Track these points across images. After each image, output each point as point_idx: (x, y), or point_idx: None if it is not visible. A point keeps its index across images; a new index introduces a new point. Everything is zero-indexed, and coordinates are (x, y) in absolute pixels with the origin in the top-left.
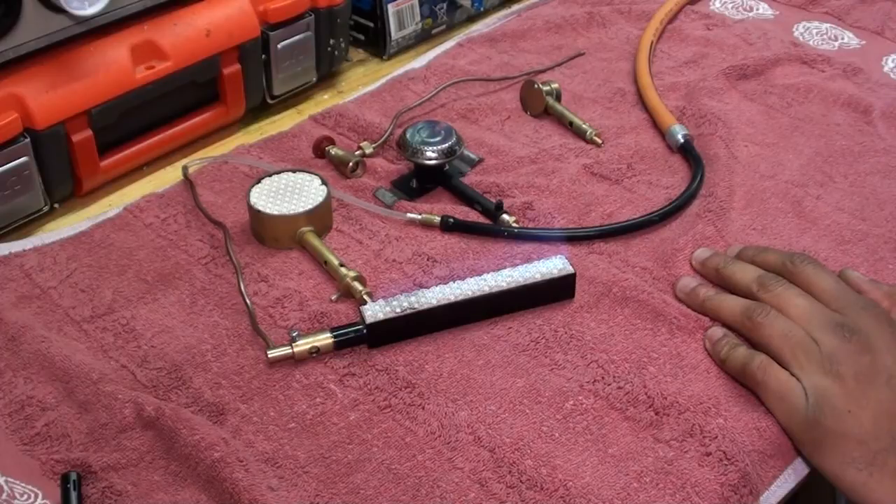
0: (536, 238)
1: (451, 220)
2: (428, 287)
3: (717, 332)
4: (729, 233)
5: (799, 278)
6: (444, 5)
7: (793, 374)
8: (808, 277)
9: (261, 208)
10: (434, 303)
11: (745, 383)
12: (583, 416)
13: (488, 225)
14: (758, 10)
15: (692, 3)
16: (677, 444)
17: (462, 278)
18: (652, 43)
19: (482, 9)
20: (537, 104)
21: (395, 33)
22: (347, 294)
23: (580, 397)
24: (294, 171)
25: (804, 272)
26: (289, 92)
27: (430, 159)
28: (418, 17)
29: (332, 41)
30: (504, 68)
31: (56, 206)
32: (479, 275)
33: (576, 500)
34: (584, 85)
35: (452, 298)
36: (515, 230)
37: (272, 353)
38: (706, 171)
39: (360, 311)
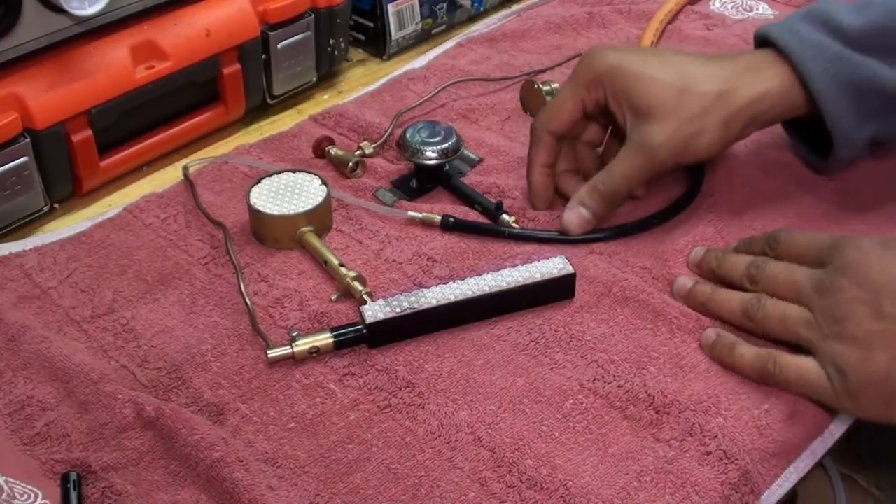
0: (536, 238)
1: (452, 219)
2: (428, 287)
3: (710, 334)
4: (729, 233)
5: (779, 252)
6: (444, 5)
7: (807, 355)
8: (786, 248)
9: (261, 208)
10: (434, 303)
11: (768, 385)
12: (583, 415)
13: (488, 225)
14: (758, 10)
15: (692, 3)
16: (677, 443)
17: (462, 278)
18: (652, 43)
19: (482, 9)
20: (537, 104)
21: (395, 33)
22: (347, 294)
23: (580, 396)
24: (294, 171)
25: (781, 244)
26: (289, 92)
27: (430, 159)
28: (418, 17)
29: (331, 41)
30: (504, 68)
31: (56, 206)
32: (479, 275)
33: (576, 500)
34: None
35: (452, 298)
36: (515, 230)
37: (272, 353)
38: (706, 172)
39: (360, 311)
